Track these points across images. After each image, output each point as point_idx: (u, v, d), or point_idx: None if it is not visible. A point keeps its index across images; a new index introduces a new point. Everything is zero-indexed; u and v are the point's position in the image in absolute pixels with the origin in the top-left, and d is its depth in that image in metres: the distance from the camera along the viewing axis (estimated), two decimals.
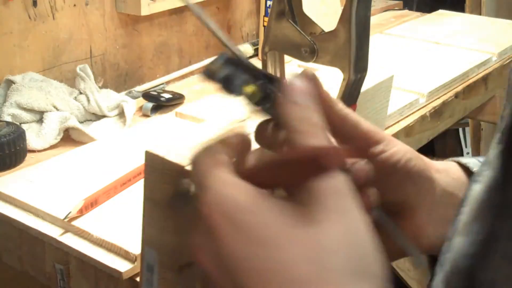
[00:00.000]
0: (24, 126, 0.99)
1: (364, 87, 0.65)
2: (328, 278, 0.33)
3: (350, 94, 0.62)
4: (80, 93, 1.09)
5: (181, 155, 0.49)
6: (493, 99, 1.57)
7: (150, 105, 1.14)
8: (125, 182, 0.82)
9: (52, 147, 0.99)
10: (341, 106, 0.45)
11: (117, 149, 0.95)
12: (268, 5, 1.44)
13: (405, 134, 1.13)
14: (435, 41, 1.57)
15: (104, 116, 1.08)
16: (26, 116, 1.01)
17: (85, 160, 0.91)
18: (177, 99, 1.17)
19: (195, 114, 1.10)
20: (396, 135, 1.08)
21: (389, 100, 0.95)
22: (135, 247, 0.70)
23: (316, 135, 0.38)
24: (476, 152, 2.20)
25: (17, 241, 0.79)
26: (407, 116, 1.16)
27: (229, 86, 0.40)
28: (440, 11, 1.89)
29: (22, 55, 1.09)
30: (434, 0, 2.15)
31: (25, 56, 1.09)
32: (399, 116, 1.14)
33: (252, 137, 0.44)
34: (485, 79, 1.43)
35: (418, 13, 1.96)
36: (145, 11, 1.21)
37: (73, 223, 0.74)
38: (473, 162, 0.53)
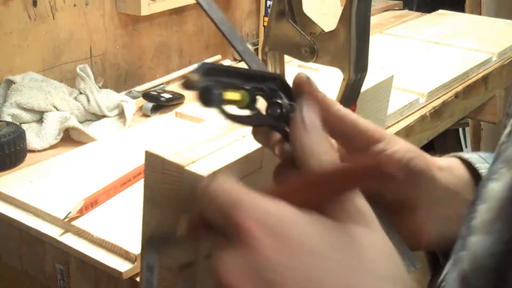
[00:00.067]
0: (24, 126, 0.99)
1: (364, 87, 0.65)
2: (371, 284, 0.35)
3: (350, 94, 0.62)
4: (80, 93, 1.09)
5: (181, 155, 0.49)
6: (493, 99, 1.57)
7: (150, 105, 1.14)
8: (125, 182, 0.82)
9: (52, 147, 0.99)
10: (338, 107, 0.45)
11: (117, 149, 0.95)
12: (268, 5, 1.44)
13: (405, 134, 1.13)
14: (435, 41, 1.58)
15: (104, 116, 1.08)
16: (26, 116, 1.01)
17: (85, 160, 0.91)
18: (177, 99, 1.17)
19: (195, 114, 1.10)
20: (396, 135, 1.08)
21: (389, 100, 0.94)
22: (135, 247, 0.70)
23: (333, 157, 0.39)
24: None
25: (17, 241, 0.79)
26: (407, 116, 1.16)
27: (205, 98, 0.40)
28: (440, 11, 1.89)
29: (22, 55, 1.09)
30: (434, 0, 2.15)
31: (25, 56, 1.09)
32: (399, 116, 1.14)
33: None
34: (485, 79, 1.43)
35: (418, 13, 1.96)
36: (145, 11, 1.21)
37: (73, 223, 0.74)
38: (475, 157, 0.54)
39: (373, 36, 1.59)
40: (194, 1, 0.46)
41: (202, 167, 0.47)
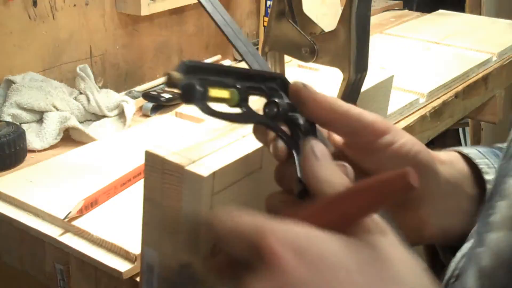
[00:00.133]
0: (24, 126, 0.99)
1: (364, 87, 0.65)
2: None
3: (350, 94, 0.62)
4: (80, 93, 1.09)
5: (181, 155, 0.49)
6: (493, 99, 1.57)
7: (150, 105, 1.14)
8: (125, 182, 0.82)
9: (52, 147, 0.99)
10: (340, 103, 0.45)
11: (117, 149, 0.95)
12: (268, 5, 1.44)
13: None
14: (435, 41, 1.58)
15: (104, 116, 1.08)
16: (26, 116, 1.01)
17: (85, 160, 0.91)
18: (177, 99, 1.17)
19: (195, 114, 1.10)
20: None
21: (389, 100, 0.94)
22: (135, 247, 0.70)
23: (347, 184, 0.39)
24: None
25: (17, 241, 0.79)
26: (407, 116, 1.16)
27: (187, 95, 0.40)
28: (440, 11, 1.89)
29: (22, 55, 1.09)
30: (434, 0, 2.15)
31: (25, 56, 1.09)
32: (399, 116, 1.14)
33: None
34: (485, 79, 1.43)
35: (418, 13, 1.96)
36: (145, 11, 1.21)
37: (73, 223, 0.74)
38: (474, 152, 0.54)
39: (373, 36, 1.59)
40: (194, 1, 0.47)
41: (202, 167, 0.47)
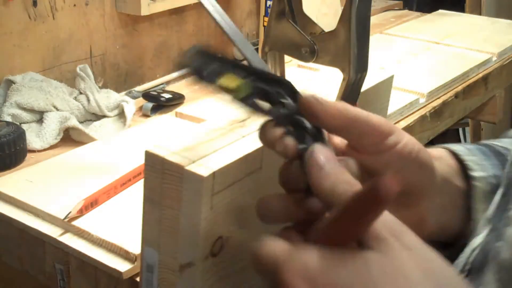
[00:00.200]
0: (24, 126, 0.99)
1: (364, 87, 0.65)
2: None
3: (350, 94, 0.62)
4: (80, 93, 1.09)
5: (181, 155, 0.49)
6: (493, 99, 1.57)
7: (150, 105, 1.14)
8: (125, 182, 0.82)
9: (52, 147, 0.99)
10: (349, 108, 0.45)
11: (117, 149, 0.95)
12: (268, 5, 1.44)
13: None
14: (435, 41, 1.58)
15: (104, 116, 1.08)
16: (26, 116, 1.01)
17: (85, 160, 0.91)
18: (177, 99, 1.17)
19: (195, 114, 1.10)
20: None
21: (389, 100, 0.94)
22: (135, 247, 0.70)
23: (349, 186, 0.39)
24: None
25: (17, 241, 0.79)
26: (407, 116, 1.16)
27: (200, 72, 0.40)
28: (440, 11, 1.89)
29: (22, 55, 1.09)
30: (434, 0, 2.15)
31: (25, 56, 1.09)
32: (399, 116, 1.14)
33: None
34: (485, 79, 1.43)
35: (418, 13, 1.96)
36: (145, 11, 1.21)
37: (73, 223, 0.74)
38: (461, 150, 0.55)
39: (373, 36, 1.59)
40: (194, 1, 0.47)
41: (202, 167, 0.47)
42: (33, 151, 0.97)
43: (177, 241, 0.49)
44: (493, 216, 0.48)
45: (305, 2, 0.63)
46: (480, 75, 1.41)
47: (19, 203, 0.79)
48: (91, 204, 0.77)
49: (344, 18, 0.60)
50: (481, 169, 0.54)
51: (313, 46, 0.62)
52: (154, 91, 1.21)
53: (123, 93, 1.22)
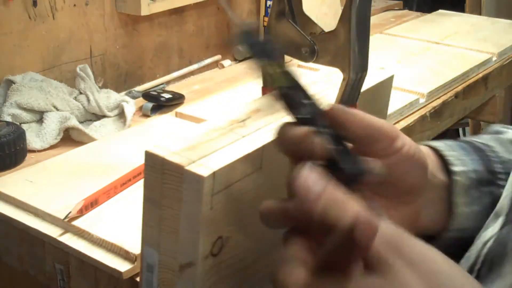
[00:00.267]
0: (24, 126, 0.99)
1: (364, 87, 0.65)
2: None
3: (350, 94, 0.62)
4: (80, 93, 1.09)
5: (181, 155, 0.49)
6: (493, 99, 1.57)
7: (150, 105, 1.14)
8: (125, 182, 0.82)
9: (52, 147, 0.99)
10: (365, 115, 0.47)
11: (117, 149, 0.95)
12: (268, 5, 1.44)
13: (405, 134, 1.13)
14: (435, 41, 1.58)
15: (104, 116, 1.08)
16: (26, 116, 1.01)
17: (85, 160, 0.91)
18: (177, 99, 1.17)
19: (195, 114, 1.10)
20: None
21: (389, 100, 0.94)
22: (135, 247, 0.70)
23: (346, 211, 0.38)
24: None
25: (17, 241, 0.79)
26: (407, 116, 1.16)
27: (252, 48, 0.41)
28: (440, 11, 1.89)
29: (22, 55, 1.09)
30: (434, 0, 2.16)
31: (25, 56, 1.09)
32: (399, 116, 1.14)
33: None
34: (485, 79, 1.43)
35: (418, 13, 1.96)
36: (145, 11, 1.21)
37: (73, 223, 0.74)
38: (442, 146, 0.57)
39: (373, 36, 1.59)
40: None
41: (202, 167, 0.47)
42: (33, 151, 0.97)
43: (177, 241, 0.49)
44: (509, 210, 0.49)
45: (305, 2, 0.63)
46: (480, 75, 1.41)
47: (19, 203, 0.79)
48: (91, 204, 0.77)
49: (344, 18, 0.60)
50: (461, 164, 0.56)
51: (313, 46, 0.62)
52: (154, 91, 1.21)
53: (123, 93, 1.22)
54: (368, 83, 0.68)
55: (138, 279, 0.68)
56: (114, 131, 1.04)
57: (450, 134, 2.34)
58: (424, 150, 0.55)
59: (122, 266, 0.69)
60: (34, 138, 0.98)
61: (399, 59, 1.43)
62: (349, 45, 0.61)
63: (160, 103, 1.14)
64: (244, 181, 0.51)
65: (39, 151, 0.97)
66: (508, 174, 0.56)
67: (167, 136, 0.99)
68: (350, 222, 0.35)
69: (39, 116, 1.02)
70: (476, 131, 2.21)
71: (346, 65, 0.61)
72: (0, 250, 0.82)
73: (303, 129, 0.43)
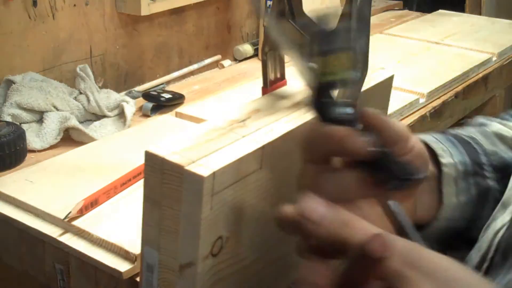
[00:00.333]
0: (24, 126, 0.99)
1: (364, 87, 0.64)
2: None
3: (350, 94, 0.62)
4: (80, 93, 1.09)
5: (181, 155, 0.49)
6: (493, 99, 1.57)
7: (150, 105, 1.14)
8: (125, 182, 0.82)
9: (52, 147, 0.99)
10: (392, 120, 0.49)
11: (117, 149, 0.95)
12: (268, 5, 1.44)
13: None
14: (435, 41, 1.58)
15: (104, 116, 1.08)
16: (26, 116, 1.01)
17: (85, 160, 0.91)
18: (177, 99, 1.17)
19: (195, 114, 1.10)
20: None
21: (389, 100, 0.94)
22: (135, 247, 0.70)
23: (357, 231, 0.39)
24: None
25: (17, 241, 0.79)
26: (407, 116, 1.16)
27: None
28: (440, 11, 1.89)
29: (22, 55, 1.09)
30: (434, 0, 2.15)
31: (25, 56, 1.09)
32: (399, 116, 1.14)
33: None
34: (485, 79, 1.43)
35: (418, 13, 1.96)
36: (145, 11, 1.21)
37: (73, 223, 0.74)
38: (430, 138, 0.60)
39: (373, 36, 1.59)
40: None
41: (202, 167, 0.47)
42: (33, 151, 0.97)
43: (177, 241, 0.49)
44: None
45: (305, 2, 0.63)
46: (480, 75, 1.41)
47: (19, 203, 0.79)
48: (91, 204, 0.77)
49: (344, 18, 0.60)
50: (449, 156, 0.58)
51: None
52: (154, 91, 1.21)
53: (123, 93, 1.22)
54: (368, 83, 0.68)
55: (138, 279, 0.68)
56: (114, 131, 1.04)
57: None
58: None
59: (122, 266, 0.69)
60: (34, 138, 0.98)
61: (399, 59, 1.43)
62: (349, 45, 0.61)
63: (160, 103, 1.14)
64: (244, 181, 0.51)
65: (39, 151, 0.97)
66: (492, 166, 0.58)
67: (167, 136, 0.99)
68: (361, 239, 0.36)
69: (39, 116, 1.02)
70: None
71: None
72: (0, 250, 0.82)
73: (346, 128, 0.44)
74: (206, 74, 1.42)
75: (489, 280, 0.40)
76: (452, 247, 0.59)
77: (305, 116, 0.59)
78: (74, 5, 1.15)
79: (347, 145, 0.43)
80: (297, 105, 0.61)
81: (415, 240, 0.45)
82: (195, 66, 1.41)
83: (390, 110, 1.03)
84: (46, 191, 0.81)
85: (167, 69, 1.36)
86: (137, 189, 0.82)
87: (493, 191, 0.58)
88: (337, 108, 0.45)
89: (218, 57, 1.46)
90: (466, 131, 0.63)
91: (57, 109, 1.03)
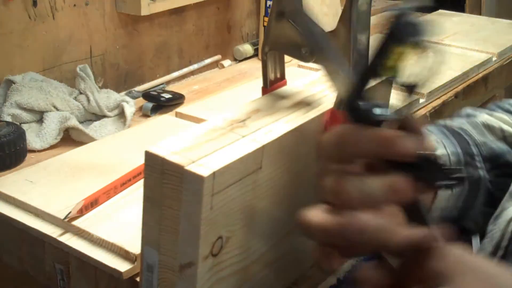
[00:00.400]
0: (24, 126, 0.99)
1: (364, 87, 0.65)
2: None
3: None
4: (80, 93, 1.09)
5: (181, 155, 0.49)
6: (493, 99, 1.57)
7: (150, 105, 1.14)
8: (125, 182, 0.82)
9: (52, 147, 0.99)
10: (425, 130, 0.49)
11: (117, 149, 0.95)
12: (268, 5, 1.44)
13: None
14: (435, 41, 1.57)
15: (104, 116, 1.08)
16: (26, 116, 1.01)
17: (85, 160, 0.91)
18: (177, 99, 1.17)
19: (195, 114, 1.10)
20: None
21: (389, 100, 0.94)
22: (135, 247, 0.70)
23: (399, 233, 0.40)
24: None
25: (17, 241, 0.79)
26: None
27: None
28: (440, 11, 1.89)
29: (22, 55, 1.09)
30: (434, 0, 2.15)
31: (25, 56, 1.09)
32: None
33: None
34: (485, 79, 1.43)
35: (418, 13, 1.95)
36: (145, 11, 1.21)
37: (73, 223, 0.74)
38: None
39: (373, 36, 1.59)
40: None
41: (202, 167, 0.47)
42: (33, 151, 0.97)
43: (177, 241, 0.49)
44: None
45: (305, 2, 0.63)
46: (480, 75, 1.41)
47: (19, 203, 0.79)
48: (91, 204, 0.77)
49: (344, 18, 0.60)
50: (442, 147, 0.59)
51: (313, 46, 0.61)
52: (154, 91, 1.21)
53: (123, 93, 1.22)
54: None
55: (138, 279, 0.68)
56: (114, 131, 1.04)
57: None
58: None
59: (122, 266, 0.69)
60: (34, 138, 0.98)
61: None
62: (349, 45, 0.61)
63: (160, 103, 1.14)
64: (244, 181, 0.51)
65: (39, 151, 0.97)
66: (482, 156, 0.59)
67: (167, 136, 0.99)
68: (410, 240, 0.38)
69: (39, 116, 1.02)
70: None
71: (346, 65, 0.61)
72: (0, 250, 0.82)
73: (394, 130, 0.44)
74: (206, 74, 1.42)
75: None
76: None
77: (306, 115, 0.59)
78: (74, 5, 1.15)
79: (397, 147, 0.43)
80: (297, 105, 0.61)
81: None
82: (195, 66, 1.41)
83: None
84: (46, 191, 0.81)
85: (167, 69, 1.36)
86: (137, 189, 0.82)
87: (484, 181, 0.60)
88: (378, 109, 0.45)
89: (218, 57, 1.46)
90: (456, 122, 0.64)
91: (57, 109, 1.03)
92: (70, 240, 0.73)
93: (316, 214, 0.42)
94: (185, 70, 1.38)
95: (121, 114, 1.08)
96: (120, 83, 1.26)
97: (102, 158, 0.91)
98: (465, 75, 1.36)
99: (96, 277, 0.72)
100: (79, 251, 0.72)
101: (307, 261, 0.69)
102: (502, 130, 0.64)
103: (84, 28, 1.17)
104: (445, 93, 1.28)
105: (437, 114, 1.23)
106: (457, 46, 1.53)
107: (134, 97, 1.19)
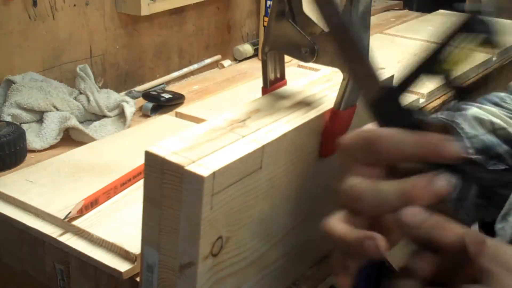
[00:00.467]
0: (24, 126, 0.99)
1: None
2: None
3: (350, 94, 0.62)
4: (80, 93, 1.09)
5: (181, 155, 0.49)
6: None
7: (150, 105, 1.14)
8: (125, 182, 0.82)
9: (52, 147, 0.99)
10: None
11: (117, 149, 0.95)
12: (268, 5, 1.44)
13: None
14: (435, 41, 1.57)
15: (104, 116, 1.08)
16: (26, 116, 1.01)
17: (85, 160, 0.91)
18: (177, 99, 1.17)
19: (195, 114, 1.10)
20: None
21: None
22: (135, 247, 0.70)
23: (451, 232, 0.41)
24: None
25: (17, 241, 0.79)
26: None
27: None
28: (440, 11, 1.89)
29: (22, 55, 1.09)
30: (434, 0, 2.15)
31: (25, 56, 1.09)
32: None
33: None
34: (485, 79, 1.42)
35: (418, 13, 1.96)
36: (145, 11, 1.21)
37: (73, 223, 0.74)
38: None
39: (373, 36, 1.59)
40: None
41: (202, 167, 0.47)
42: (33, 151, 0.97)
43: (177, 241, 0.49)
44: None
45: (305, 2, 0.63)
46: (480, 75, 1.41)
47: (19, 203, 0.79)
48: (91, 204, 0.77)
49: (344, 18, 0.60)
50: None
51: (313, 46, 0.62)
52: (154, 91, 1.21)
53: (123, 93, 1.22)
54: None
55: (138, 279, 0.68)
56: (114, 131, 1.04)
57: None
58: None
59: (122, 266, 0.69)
60: (34, 138, 0.98)
61: (399, 59, 1.43)
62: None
63: (160, 103, 1.14)
64: (244, 181, 0.51)
65: (39, 151, 0.97)
66: (475, 149, 0.60)
67: (167, 136, 0.99)
68: (458, 239, 0.39)
69: (39, 116, 1.02)
70: None
71: (346, 65, 0.61)
72: (0, 250, 0.82)
73: (438, 134, 0.44)
74: (206, 74, 1.42)
75: None
76: None
77: (306, 115, 0.59)
78: (74, 5, 1.15)
79: (444, 150, 0.43)
80: (297, 105, 0.61)
81: None
82: (195, 66, 1.41)
83: None
84: (46, 191, 0.81)
85: (167, 69, 1.36)
86: (137, 189, 0.82)
87: (476, 173, 0.60)
88: (415, 113, 0.45)
89: (218, 57, 1.46)
90: (448, 116, 0.65)
91: (57, 109, 1.03)
92: (70, 240, 0.73)
93: (337, 224, 0.42)
94: (185, 70, 1.38)
95: (121, 114, 1.08)
96: (120, 83, 1.26)
97: (102, 158, 0.91)
98: (465, 75, 1.36)
99: (96, 277, 0.72)
100: (79, 251, 0.72)
101: (307, 261, 0.69)
102: (492, 123, 0.65)
103: (84, 28, 1.17)
104: (445, 93, 1.28)
105: None
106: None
107: (134, 97, 1.19)
